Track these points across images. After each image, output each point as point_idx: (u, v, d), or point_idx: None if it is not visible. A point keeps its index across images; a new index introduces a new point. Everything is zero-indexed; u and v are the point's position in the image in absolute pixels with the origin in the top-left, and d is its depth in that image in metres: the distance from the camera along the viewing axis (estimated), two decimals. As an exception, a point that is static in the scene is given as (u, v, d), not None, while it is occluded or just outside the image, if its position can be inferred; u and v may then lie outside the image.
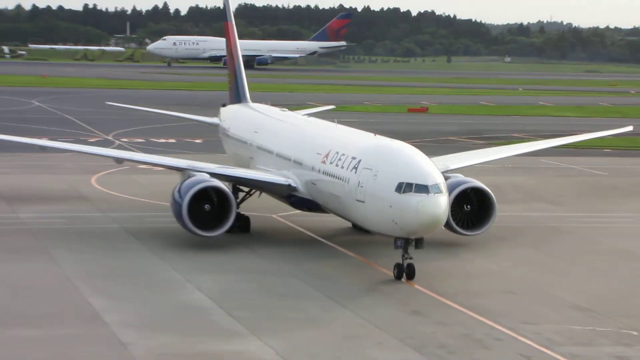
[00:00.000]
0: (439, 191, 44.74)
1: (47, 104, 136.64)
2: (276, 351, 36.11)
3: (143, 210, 61.96)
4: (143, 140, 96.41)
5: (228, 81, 74.80)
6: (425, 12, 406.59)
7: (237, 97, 72.30)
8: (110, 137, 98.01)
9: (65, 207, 62.66)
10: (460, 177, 54.06)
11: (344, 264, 50.11)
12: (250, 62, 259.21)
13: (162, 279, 46.02)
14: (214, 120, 72.76)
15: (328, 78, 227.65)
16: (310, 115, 70.99)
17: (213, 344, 36.79)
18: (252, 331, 38.25)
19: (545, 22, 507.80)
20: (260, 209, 60.07)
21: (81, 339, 36.92)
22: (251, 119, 67.13)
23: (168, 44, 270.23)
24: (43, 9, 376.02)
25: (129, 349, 35.92)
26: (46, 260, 48.91)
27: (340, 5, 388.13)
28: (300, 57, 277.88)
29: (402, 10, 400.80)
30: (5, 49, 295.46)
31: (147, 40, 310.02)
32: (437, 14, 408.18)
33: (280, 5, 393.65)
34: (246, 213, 56.73)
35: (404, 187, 44.56)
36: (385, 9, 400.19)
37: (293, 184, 54.62)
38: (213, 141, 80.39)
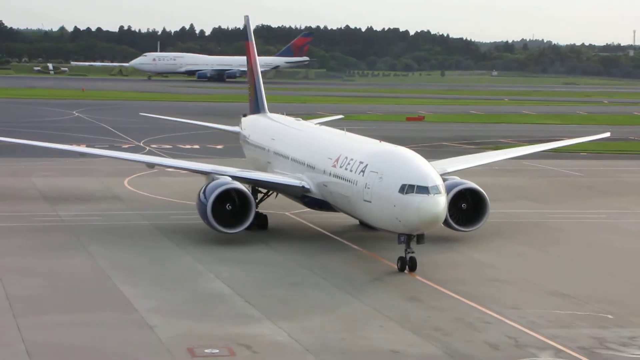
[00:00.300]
0: (438, 192, 44.47)
1: (86, 114, 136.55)
2: (288, 334, 35.85)
3: (169, 209, 61.67)
4: (170, 147, 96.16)
5: (248, 94, 74.50)
6: (422, 31, 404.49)
7: (256, 108, 71.96)
8: (141, 144, 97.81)
9: (100, 206, 62.45)
10: (456, 179, 53.68)
11: (350, 256, 49.77)
12: (221, 75, 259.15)
13: (186, 270, 45.77)
14: (236, 128, 72.49)
15: (336, 90, 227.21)
16: (321, 124, 70.64)
17: (231, 327, 36.50)
18: (266, 316, 37.99)
19: (528, 40, 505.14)
20: (275, 207, 59.74)
21: (114, 323, 36.75)
22: (269, 128, 66.75)
23: (148, 59, 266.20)
24: (83, 30, 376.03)
25: (156, 332, 35.72)
26: (83, 253, 48.68)
27: (347, 26, 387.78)
28: (264, 70, 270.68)
29: (401, 30, 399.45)
30: (50, 66, 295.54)
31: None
32: (432, 33, 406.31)
33: (293, 26, 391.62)
34: (264, 211, 56.44)
35: (406, 189, 44.28)
36: (386, 28, 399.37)
37: (306, 186, 54.27)
38: (233, 147, 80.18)
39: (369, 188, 46.44)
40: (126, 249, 49.86)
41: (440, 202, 44.35)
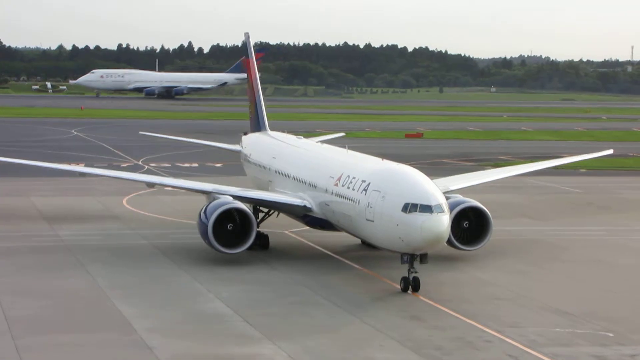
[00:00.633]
0: (442, 211, 44.20)
1: (84, 133, 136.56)
2: (288, 354, 35.72)
3: (169, 228, 61.60)
4: (169, 165, 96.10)
5: (249, 111, 74.26)
6: (420, 48, 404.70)
7: (257, 126, 71.76)
8: (140, 162, 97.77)
9: (99, 225, 62.38)
10: (459, 197, 53.35)
11: (351, 275, 49.62)
12: (170, 92, 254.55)
13: (186, 290, 45.66)
14: (236, 147, 72.35)
15: (335, 107, 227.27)
16: (323, 141, 70.45)
17: (230, 347, 36.41)
18: (266, 336, 37.88)
19: (526, 56, 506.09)
20: (274, 226, 59.64)
21: (113, 344, 36.65)
22: (270, 146, 66.56)
23: (96, 76, 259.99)
24: (82, 48, 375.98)
25: (155, 352, 35.60)
26: (82, 273, 48.60)
27: (345, 43, 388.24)
28: (211, 87, 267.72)
29: (399, 47, 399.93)
30: (48, 84, 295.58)
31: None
32: (430, 49, 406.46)
33: (292, 43, 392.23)
34: (265, 231, 56.27)
35: (409, 207, 43.98)
36: (384, 45, 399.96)
37: (308, 205, 54.01)
38: (231, 165, 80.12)
39: (371, 207, 46.09)
40: (125, 269, 49.73)
41: (443, 221, 44.13)
